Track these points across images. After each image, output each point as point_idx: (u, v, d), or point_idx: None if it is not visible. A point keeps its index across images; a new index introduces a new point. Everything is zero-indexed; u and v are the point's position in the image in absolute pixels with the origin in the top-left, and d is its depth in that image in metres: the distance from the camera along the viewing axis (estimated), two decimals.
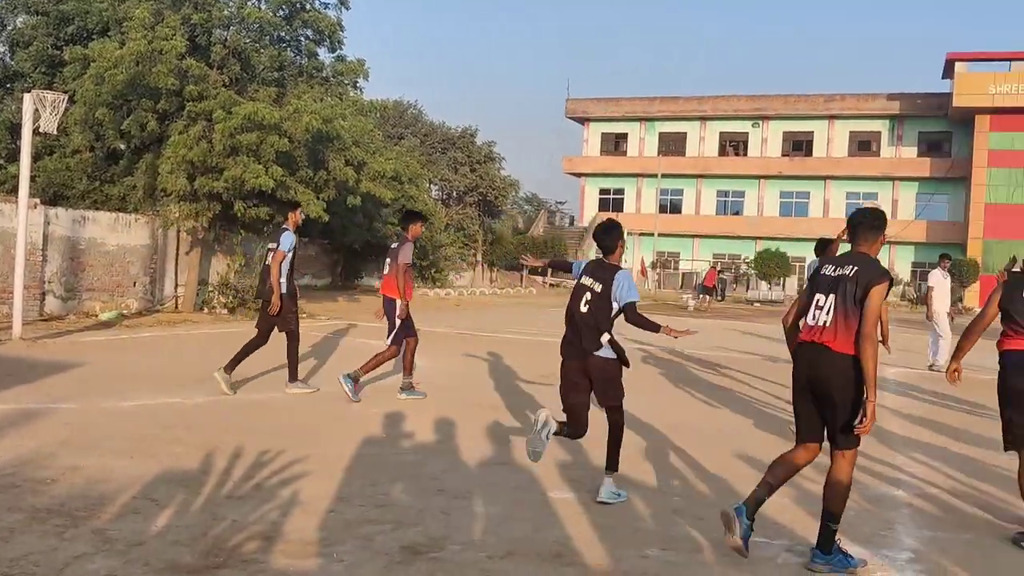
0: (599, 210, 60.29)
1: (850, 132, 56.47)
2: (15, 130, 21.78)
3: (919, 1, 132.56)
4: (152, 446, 6.59)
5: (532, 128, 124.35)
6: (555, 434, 5.76)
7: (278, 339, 9.40)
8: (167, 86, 17.54)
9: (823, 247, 9.59)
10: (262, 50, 19.96)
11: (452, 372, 11.67)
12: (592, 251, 58.06)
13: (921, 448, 7.84)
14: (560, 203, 72.71)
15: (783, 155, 57.87)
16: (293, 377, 9.44)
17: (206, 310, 19.15)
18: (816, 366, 4.58)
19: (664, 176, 56.71)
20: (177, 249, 19.70)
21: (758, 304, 43.41)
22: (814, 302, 4.67)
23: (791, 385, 4.86)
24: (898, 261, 53.04)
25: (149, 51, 17.18)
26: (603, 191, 61.98)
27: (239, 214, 18.19)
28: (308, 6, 20.26)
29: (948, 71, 50.44)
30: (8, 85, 25.53)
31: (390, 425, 7.86)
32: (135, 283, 18.67)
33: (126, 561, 4.22)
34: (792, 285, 52.75)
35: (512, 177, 51.36)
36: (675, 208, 59.87)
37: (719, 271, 45.30)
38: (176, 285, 19.69)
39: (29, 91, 13.98)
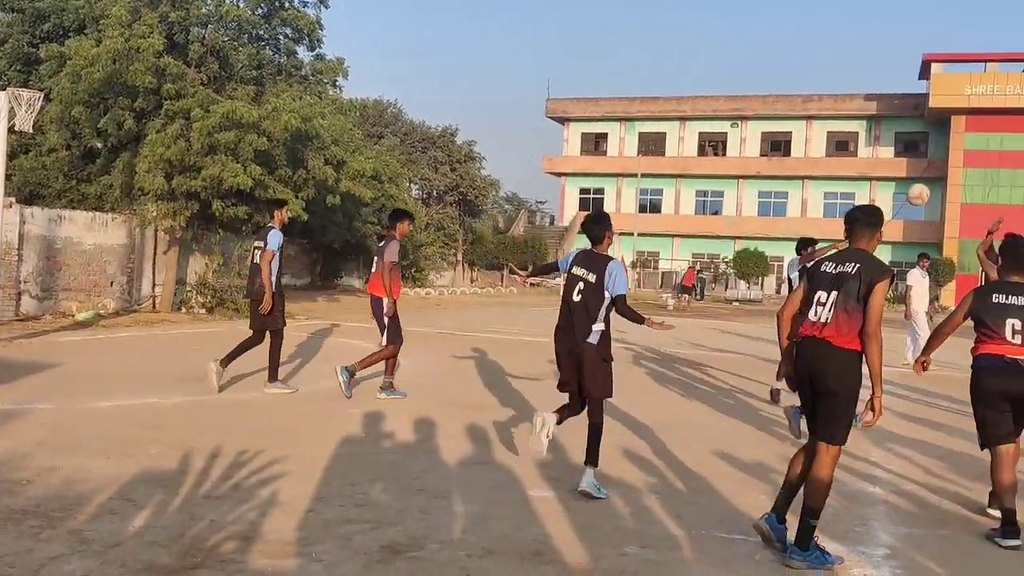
0: (579, 209, 60.37)
1: (828, 132, 56.87)
2: None
3: (896, 2, 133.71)
4: (129, 446, 6.55)
5: (512, 128, 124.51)
6: (557, 424, 6.00)
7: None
8: (144, 84, 17.42)
9: (803, 246, 9.75)
10: (240, 48, 19.88)
11: (433, 372, 11.66)
12: (568, 253, 58.08)
13: (897, 445, 7.91)
14: (540, 203, 72.89)
15: (761, 155, 58.19)
16: (273, 377, 9.39)
17: (184, 310, 19.03)
18: (816, 360, 4.66)
19: (644, 176, 56.90)
20: (155, 248, 19.57)
21: (737, 303, 43.65)
22: (815, 299, 4.74)
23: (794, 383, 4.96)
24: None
25: (126, 49, 17.06)
26: (583, 191, 62.08)
27: (217, 213, 18.09)
28: (287, 4, 20.20)
29: (924, 72, 50.90)
30: None
31: (370, 425, 7.85)
32: (112, 283, 18.53)
33: (103, 562, 4.19)
34: (770, 284, 53.13)
35: (492, 177, 51.40)
36: (655, 208, 60.07)
37: (698, 271, 45.54)
38: (154, 285, 19.56)
39: (4, 89, 13.83)
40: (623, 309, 5.96)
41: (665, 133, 60.44)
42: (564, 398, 6.22)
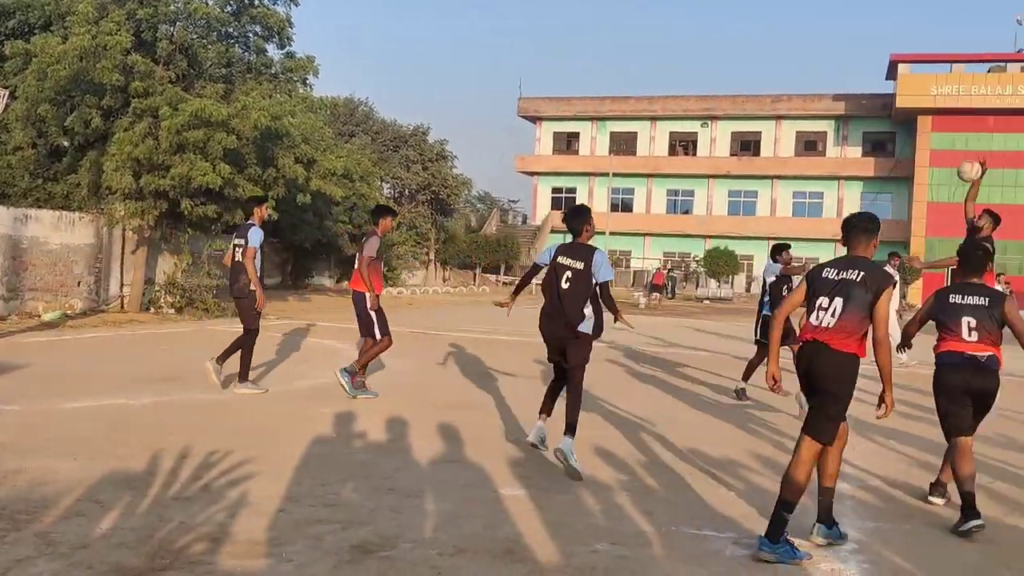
0: (552, 209, 60.53)
1: (796, 132, 57.41)
2: None
3: (864, 1, 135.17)
4: (97, 447, 6.48)
5: (484, 127, 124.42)
6: (552, 395, 6.69)
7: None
8: (112, 82, 17.24)
9: (778, 251, 10.11)
10: (209, 46, 19.70)
11: (405, 371, 11.63)
12: (545, 248, 58.20)
13: (862, 441, 8.00)
14: (513, 202, 72.83)
15: (731, 155, 58.65)
16: (243, 377, 9.34)
17: (153, 310, 18.87)
18: (816, 362, 4.84)
19: (615, 175, 57.14)
20: (123, 248, 19.37)
21: (707, 301, 43.95)
22: (818, 304, 4.89)
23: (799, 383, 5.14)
24: None
25: (93, 46, 16.87)
26: (555, 190, 62.21)
27: (186, 212, 17.96)
28: (256, 2, 20.01)
29: (892, 72, 51.52)
30: None
31: (341, 425, 7.82)
32: (79, 283, 18.32)
33: (70, 564, 4.15)
34: (740, 283, 53.55)
35: (465, 175, 51.22)
36: (626, 207, 60.35)
37: (668, 270, 45.92)
38: (122, 285, 19.36)
39: None
40: (606, 295, 6.42)
41: (636, 133, 60.73)
42: (540, 395, 6.36)
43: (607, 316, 6.62)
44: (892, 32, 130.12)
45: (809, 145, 57.44)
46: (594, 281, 6.38)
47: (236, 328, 9.71)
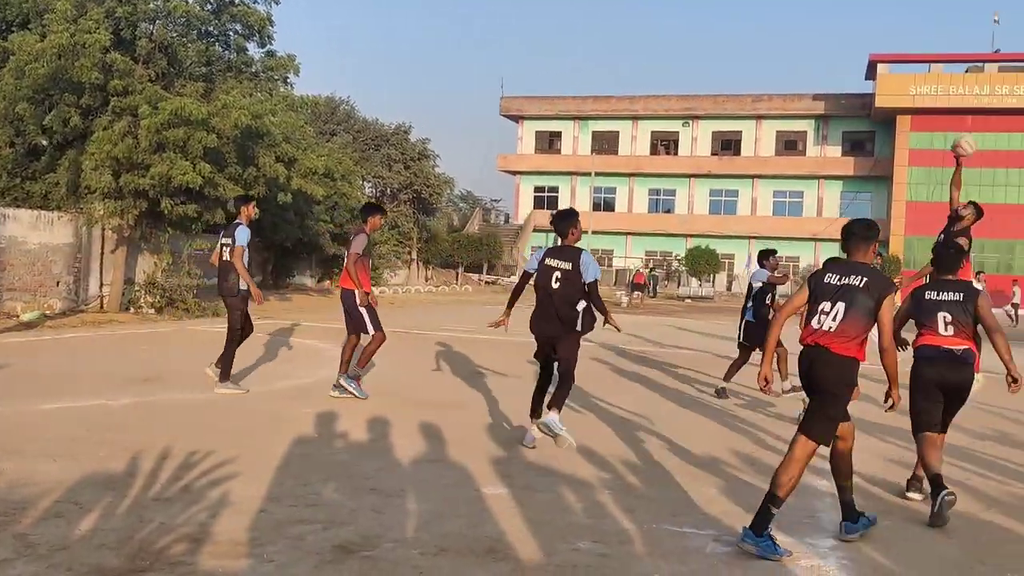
0: (534, 208, 60.56)
1: (777, 132, 57.68)
2: None
3: (844, 2, 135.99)
4: (76, 448, 6.44)
5: (467, 126, 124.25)
6: (540, 396, 7.10)
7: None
8: (91, 80, 17.11)
9: (765, 256, 10.45)
10: (189, 44, 19.58)
11: (386, 371, 11.61)
12: (528, 249, 58.38)
13: None
14: (495, 201, 72.68)
15: (712, 154, 58.86)
16: (225, 377, 9.31)
17: (132, 310, 18.75)
18: (816, 365, 4.97)
19: (597, 174, 57.23)
20: (102, 247, 19.24)
21: (689, 300, 44.11)
22: (820, 308, 5.00)
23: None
24: (823, 258, 54.25)
25: (71, 44, 16.73)
26: (538, 189, 62.24)
27: (166, 212, 17.85)
28: (237, 0, 19.93)
29: (871, 72, 51.88)
30: None
31: (323, 425, 7.81)
32: (58, 283, 18.18)
33: (49, 566, 4.13)
34: (722, 281, 53.78)
35: (447, 175, 51.09)
36: (608, 206, 60.45)
37: (651, 269, 46.18)
38: (101, 284, 19.23)
39: None
40: (595, 295, 6.72)
41: (618, 132, 60.84)
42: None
43: (598, 316, 6.92)
44: (872, 32, 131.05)
45: (789, 145, 57.75)
46: (583, 280, 6.69)
47: (218, 327, 9.66)
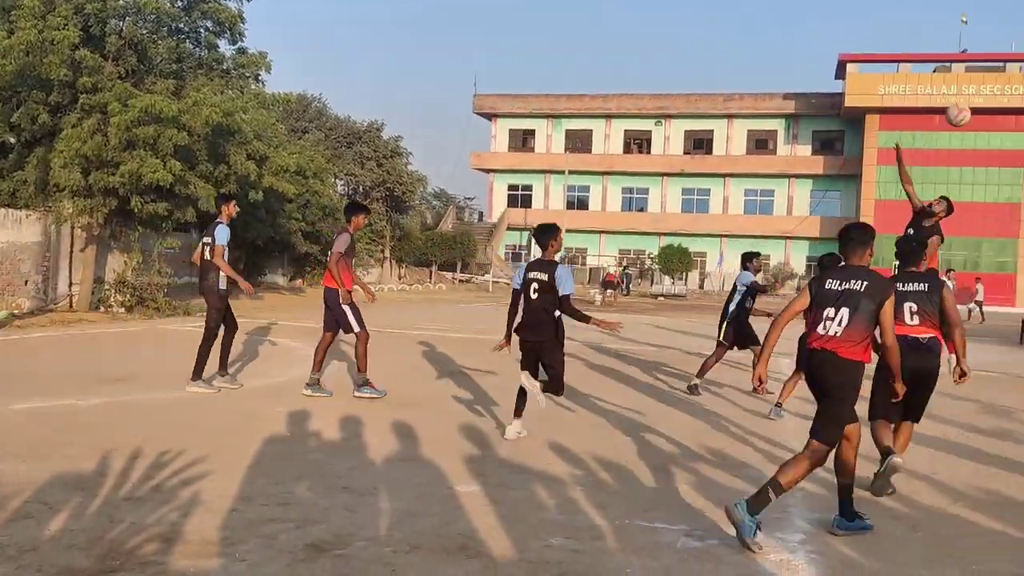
0: (508, 206, 60.56)
1: (748, 131, 58.03)
2: None
3: (814, 3, 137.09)
4: (45, 448, 6.39)
5: (440, 123, 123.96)
6: (524, 397, 7.39)
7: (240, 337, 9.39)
8: (59, 77, 16.93)
9: (749, 259, 10.69)
10: (159, 41, 19.40)
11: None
12: (502, 247, 58.39)
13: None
14: (469, 199, 72.43)
15: (685, 153, 59.13)
16: (197, 376, 9.26)
17: (102, 309, 18.56)
18: (824, 368, 5.13)
19: (571, 173, 57.32)
20: (71, 246, 19.02)
21: (662, 298, 44.33)
22: (824, 314, 5.13)
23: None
24: (793, 256, 55.11)
25: (40, 41, 16.54)
26: (511, 187, 62.23)
27: (136, 210, 17.69)
28: None
29: (840, 72, 52.34)
30: None
31: (295, 424, 7.79)
32: (27, 282, 17.96)
33: (18, 567, 4.10)
34: (694, 279, 54.10)
35: (420, 172, 50.92)
36: (582, 204, 60.57)
37: (624, 267, 46.40)
38: (71, 283, 19.02)
39: None
40: (568, 308, 7.08)
41: (592, 130, 60.96)
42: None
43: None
44: (842, 32, 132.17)
45: (760, 144, 58.13)
46: (558, 293, 7.06)
47: (189, 327, 9.60)
